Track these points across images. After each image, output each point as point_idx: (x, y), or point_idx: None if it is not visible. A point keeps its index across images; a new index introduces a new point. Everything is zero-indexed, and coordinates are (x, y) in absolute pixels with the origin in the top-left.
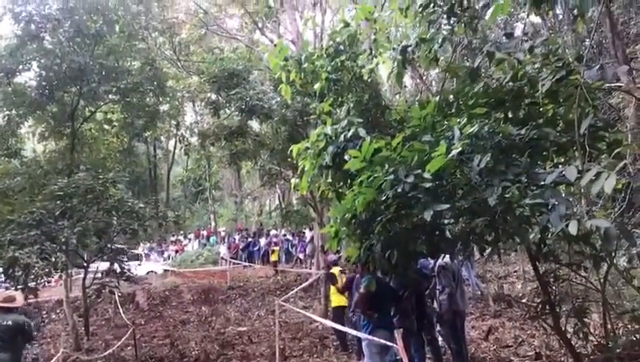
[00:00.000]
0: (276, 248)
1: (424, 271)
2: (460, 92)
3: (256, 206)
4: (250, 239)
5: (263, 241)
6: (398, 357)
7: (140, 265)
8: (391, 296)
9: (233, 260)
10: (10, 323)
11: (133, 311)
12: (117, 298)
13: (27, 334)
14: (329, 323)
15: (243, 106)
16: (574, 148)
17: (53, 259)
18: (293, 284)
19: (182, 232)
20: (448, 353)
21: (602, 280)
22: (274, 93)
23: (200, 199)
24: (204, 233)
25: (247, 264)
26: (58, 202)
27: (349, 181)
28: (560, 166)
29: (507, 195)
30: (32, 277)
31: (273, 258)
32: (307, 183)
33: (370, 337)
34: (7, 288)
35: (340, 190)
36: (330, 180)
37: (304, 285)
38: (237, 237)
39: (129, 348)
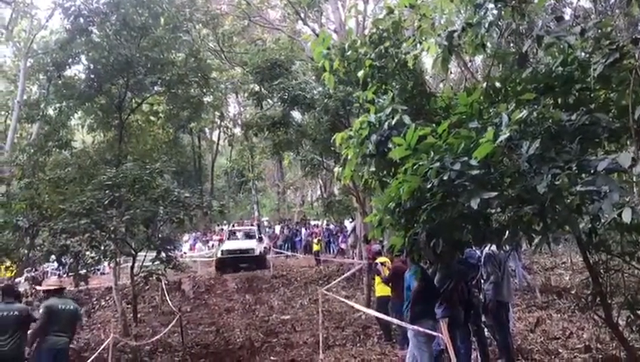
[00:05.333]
0: (319, 238)
1: (471, 261)
2: (508, 78)
3: (298, 196)
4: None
5: (304, 232)
6: (441, 347)
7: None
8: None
9: (275, 249)
10: (71, 307)
11: (180, 298)
12: (163, 286)
13: (81, 320)
14: (373, 312)
15: (285, 97)
16: (628, 134)
17: (103, 248)
18: (335, 274)
19: (225, 222)
20: (494, 344)
21: None
22: (316, 83)
23: (243, 189)
24: (248, 223)
25: (289, 254)
26: (107, 191)
27: (392, 169)
28: (612, 153)
29: (557, 183)
30: (83, 264)
31: (316, 248)
32: (350, 172)
33: (416, 327)
34: (59, 275)
35: (384, 178)
36: (373, 169)
37: (346, 275)
38: (277, 228)
39: (175, 334)
